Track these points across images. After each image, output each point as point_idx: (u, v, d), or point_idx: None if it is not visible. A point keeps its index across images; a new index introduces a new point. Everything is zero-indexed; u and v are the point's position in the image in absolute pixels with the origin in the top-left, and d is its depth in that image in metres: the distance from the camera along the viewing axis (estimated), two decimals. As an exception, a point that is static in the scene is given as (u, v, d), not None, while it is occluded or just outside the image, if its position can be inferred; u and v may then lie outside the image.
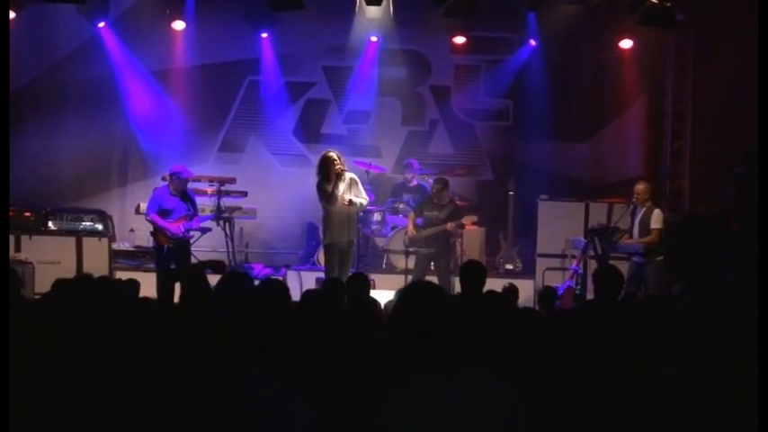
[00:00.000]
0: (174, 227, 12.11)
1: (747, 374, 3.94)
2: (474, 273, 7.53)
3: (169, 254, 12.08)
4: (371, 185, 14.75)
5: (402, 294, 3.52)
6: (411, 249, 12.78)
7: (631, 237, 12.03)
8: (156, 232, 12.15)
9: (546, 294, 9.26)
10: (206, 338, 3.50)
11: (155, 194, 12.48)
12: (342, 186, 11.52)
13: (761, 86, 8.90)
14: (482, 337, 4.29)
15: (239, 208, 13.90)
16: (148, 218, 12.20)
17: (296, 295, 8.35)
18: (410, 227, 12.82)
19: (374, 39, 15.50)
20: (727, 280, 10.67)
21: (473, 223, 12.95)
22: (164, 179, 12.66)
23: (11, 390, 3.60)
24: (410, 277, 12.45)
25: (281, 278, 12.68)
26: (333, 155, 11.60)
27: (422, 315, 3.36)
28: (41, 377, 3.77)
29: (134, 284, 8.49)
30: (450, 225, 12.45)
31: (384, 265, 14.16)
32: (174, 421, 3.32)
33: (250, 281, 5.77)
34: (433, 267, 12.64)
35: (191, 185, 14.15)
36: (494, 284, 9.84)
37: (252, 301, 5.22)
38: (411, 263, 12.94)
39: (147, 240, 14.46)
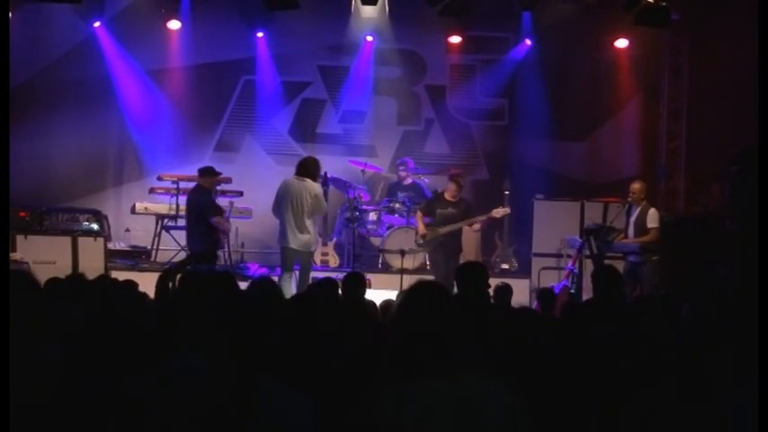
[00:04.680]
0: (229, 227, 12.28)
1: (747, 373, 3.94)
2: (474, 274, 7.25)
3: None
4: (367, 185, 14.78)
5: (408, 294, 3.49)
6: (421, 249, 12.78)
7: (626, 236, 12.04)
8: (218, 234, 12.21)
9: (547, 296, 9.21)
10: (204, 339, 3.49)
11: (210, 197, 12.40)
12: None
13: (761, 86, 8.90)
14: (482, 337, 4.29)
15: (232, 202, 13.90)
16: (214, 220, 12.08)
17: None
18: (421, 226, 12.64)
19: (370, 38, 15.52)
20: (721, 278, 10.66)
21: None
22: (201, 178, 12.45)
23: (10, 389, 3.59)
24: (406, 277, 12.41)
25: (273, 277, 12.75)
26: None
27: (429, 316, 3.35)
28: (40, 376, 3.77)
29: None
30: (482, 218, 12.48)
31: (380, 265, 14.15)
32: (173, 420, 3.32)
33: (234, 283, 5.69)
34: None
35: (185, 184, 14.16)
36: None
37: (243, 303, 5.20)
38: (407, 262, 12.94)
39: (142, 240, 14.49)
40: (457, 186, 12.56)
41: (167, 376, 3.41)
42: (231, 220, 13.67)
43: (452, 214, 12.46)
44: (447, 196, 12.64)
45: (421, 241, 12.61)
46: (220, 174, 12.68)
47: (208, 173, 12.37)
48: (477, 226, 12.70)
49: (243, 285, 5.67)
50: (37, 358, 3.81)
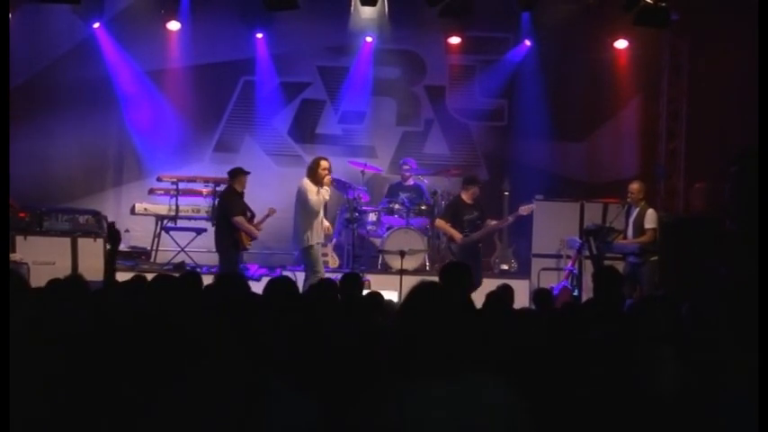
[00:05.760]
0: (250, 228, 12.31)
1: (746, 372, 3.94)
2: (457, 274, 7.20)
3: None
4: (366, 186, 14.78)
5: (410, 295, 3.49)
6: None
7: (626, 237, 12.04)
8: (239, 234, 12.21)
9: (541, 297, 9.19)
10: (206, 340, 3.50)
11: (234, 198, 12.43)
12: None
13: (761, 86, 8.91)
14: (482, 337, 4.28)
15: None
16: (234, 220, 12.17)
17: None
18: (456, 234, 12.60)
19: (369, 39, 15.52)
20: (721, 278, 10.67)
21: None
22: (230, 179, 12.55)
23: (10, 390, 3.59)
24: (405, 278, 12.40)
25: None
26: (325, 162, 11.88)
27: (429, 316, 3.35)
28: (41, 377, 3.77)
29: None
30: (511, 218, 12.62)
31: (380, 266, 14.14)
32: (176, 421, 3.32)
33: (246, 284, 5.72)
34: None
35: (185, 185, 14.14)
36: (490, 285, 9.86)
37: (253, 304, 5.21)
38: (407, 263, 12.93)
39: (142, 241, 14.49)
40: (479, 189, 12.68)
41: (170, 377, 3.41)
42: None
43: (478, 217, 12.56)
44: (467, 200, 12.66)
45: (456, 249, 12.60)
46: (248, 173, 12.66)
47: (235, 173, 12.52)
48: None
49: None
50: (28, 357, 3.81)
